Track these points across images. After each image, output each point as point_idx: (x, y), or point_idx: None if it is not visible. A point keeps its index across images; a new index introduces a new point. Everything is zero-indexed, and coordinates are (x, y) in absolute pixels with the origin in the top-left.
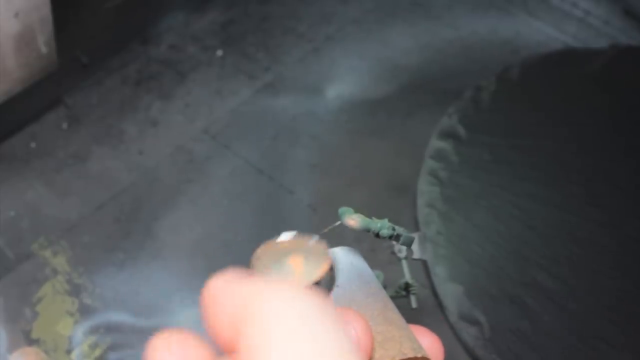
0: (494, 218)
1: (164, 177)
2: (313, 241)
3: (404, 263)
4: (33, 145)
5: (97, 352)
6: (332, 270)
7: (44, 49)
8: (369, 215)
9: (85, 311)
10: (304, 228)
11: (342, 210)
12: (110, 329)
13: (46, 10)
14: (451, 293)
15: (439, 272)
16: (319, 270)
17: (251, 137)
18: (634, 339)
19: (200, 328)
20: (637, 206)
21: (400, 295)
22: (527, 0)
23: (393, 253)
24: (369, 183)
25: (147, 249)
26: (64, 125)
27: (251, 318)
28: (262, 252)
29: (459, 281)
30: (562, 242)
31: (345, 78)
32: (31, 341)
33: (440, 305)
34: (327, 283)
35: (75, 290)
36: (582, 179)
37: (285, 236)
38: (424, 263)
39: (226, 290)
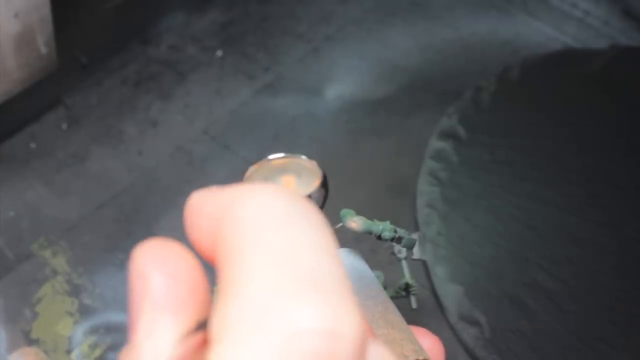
0: (494, 218)
1: (163, 177)
2: (305, 159)
3: (404, 263)
4: (33, 145)
5: (97, 352)
6: (324, 186)
7: (43, 49)
8: (369, 216)
9: (85, 311)
10: None
11: (343, 212)
12: (110, 329)
13: (46, 10)
14: (451, 293)
15: (439, 273)
16: (312, 186)
17: (251, 138)
18: (634, 339)
19: None
20: (637, 206)
21: (400, 295)
22: (527, 1)
23: (393, 254)
24: (369, 183)
25: None
26: (64, 126)
27: (228, 218)
28: (254, 170)
29: (459, 282)
30: (562, 242)
31: (345, 78)
32: (31, 341)
33: (440, 306)
34: (318, 199)
35: (75, 291)
36: (582, 179)
37: (276, 155)
38: (424, 263)
39: (207, 198)
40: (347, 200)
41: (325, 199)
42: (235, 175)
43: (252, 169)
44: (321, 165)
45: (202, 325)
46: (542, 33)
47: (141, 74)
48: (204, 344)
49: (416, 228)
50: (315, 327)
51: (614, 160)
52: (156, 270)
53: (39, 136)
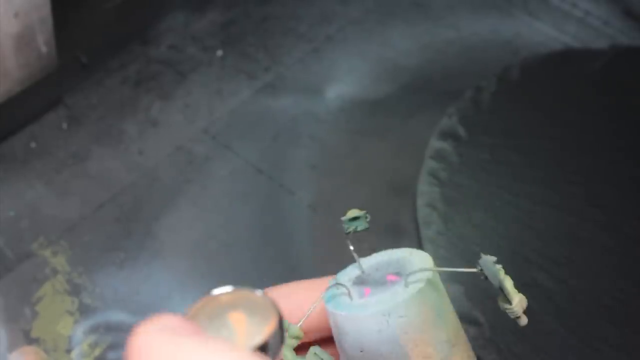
0: (494, 218)
1: (163, 177)
2: (258, 293)
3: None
4: (33, 145)
5: (97, 352)
6: (281, 328)
7: (44, 49)
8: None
9: (85, 311)
10: (304, 228)
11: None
12: (110, 328)
13: (46, 10)
14: (451, 293)
15: (439, 272)
16: (266, 329)
17: (251, 137)
18: (634, 339)
19: None
20: (637, 206)
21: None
22: (527, 1)
23: None
24: (369, 183)
25: (147, 249)
26: (64, 125)
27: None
28: (199, 308)
29: (458, 281)
30: (562, 243)
31: (345, 78)
32: (31, 340)
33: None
34: (276, 344)
35: (75, 290)
36: (582, 179)
37: (223, 289)
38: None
39: (154, 345)
40: (347, 201)
41: (283, 341)
42: (235, 175)
43: (196, 306)
44: (322, 169)
45: None
46: (542, 33)
47: (141, 74)
48: None
49: (416, 228)
50: None
51: (614, 160)
52: None
53: (39, 136)
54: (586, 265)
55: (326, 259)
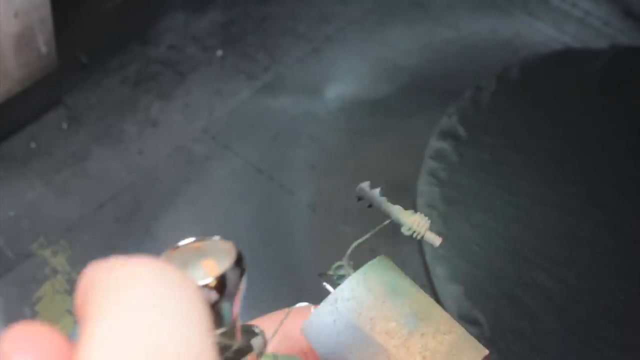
0: (494, 218)
1: (163, 177)
2: (219, 239)
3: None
4: (33, 145)
5: None
6: (238, 265)
7: (43, 49)
8: (369, 216)
9: None
10: (304, 228)
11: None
12: None
13: (46, 10)
14: (451, 293)
15: (439, 273)
16: (224, 265)
17: (251, 137)
18: (634, 339)
19: None
20: (637, 206)
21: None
22: (527, 1)
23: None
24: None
25: (147, 249)
26: (64, 125)
27: (94, 286)
28: (171, 254)
29: (458, 281)
30: (562, 242)
31: (345, 78)
32: None
33: (440, 306)
34: (233, 279)
35: (75, 290)
36: (582, 179)
37: (189, 240)
38: (424, 263)
39: (97, 267)
40: (347, 201)
41: (241, 277)
42: (235, 175)
43: (168, 253)
44: (322, 169)
45: None
46: (542, 33)
47: (141, 74)
48: None
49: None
50: None
51: (614, 160)
52: (19, 351)
53: (39, 136)
54: (586, 265)
55: (325, 259)
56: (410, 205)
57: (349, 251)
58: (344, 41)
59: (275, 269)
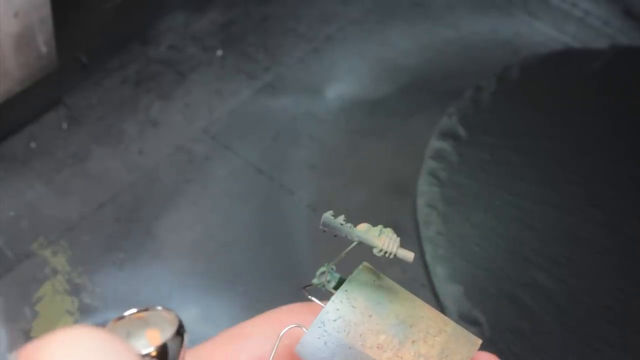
0: (494, 218)
1: (163, 177)
2: (162, 309)
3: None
4: (33, 145)
5: None
6: (179, 334)
7: (43, 49)
8: (369, 216)
9: (85, 310)
10: (304, 228)
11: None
12: None
13: (46, 10)
14: (451, 293)
15: (439, 272)
16: (166, 335)
17: (251, 137)
18: (634, 339)
19: (201, 327)
20: (637, 206)
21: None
22: (527, 1)
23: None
24: (369, 183)
25: (147, 249)
26: (64, 125)
27: (41, 358)
28: (115, 325)
29: (458, 281)
30: (562, 242)
31: (345, 78)
32: (31, 340)
33: (440, 306)
34: (174, 348)
35: (75, 290)
36: (582, 179)
37: (133, 310)
38: (424, 263)
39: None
40: (347, 201)
41: (182, 344)
42: (235, 175)
43: (112, 324)
44: (322, 169)
45: None
46: (542, 33)
47: (141, 74)
48: None
49: (416, 228)
50: None
51: (614, 160)
52: None
53: (39, 136)
54: (586, 265)
55: (325, 259)
56: (410, 205)
57: (315, 277)
58: (345, 41)
59: (275, 269)
